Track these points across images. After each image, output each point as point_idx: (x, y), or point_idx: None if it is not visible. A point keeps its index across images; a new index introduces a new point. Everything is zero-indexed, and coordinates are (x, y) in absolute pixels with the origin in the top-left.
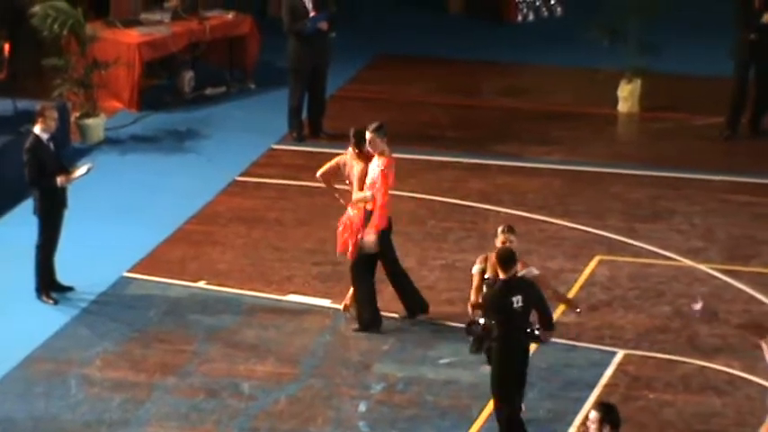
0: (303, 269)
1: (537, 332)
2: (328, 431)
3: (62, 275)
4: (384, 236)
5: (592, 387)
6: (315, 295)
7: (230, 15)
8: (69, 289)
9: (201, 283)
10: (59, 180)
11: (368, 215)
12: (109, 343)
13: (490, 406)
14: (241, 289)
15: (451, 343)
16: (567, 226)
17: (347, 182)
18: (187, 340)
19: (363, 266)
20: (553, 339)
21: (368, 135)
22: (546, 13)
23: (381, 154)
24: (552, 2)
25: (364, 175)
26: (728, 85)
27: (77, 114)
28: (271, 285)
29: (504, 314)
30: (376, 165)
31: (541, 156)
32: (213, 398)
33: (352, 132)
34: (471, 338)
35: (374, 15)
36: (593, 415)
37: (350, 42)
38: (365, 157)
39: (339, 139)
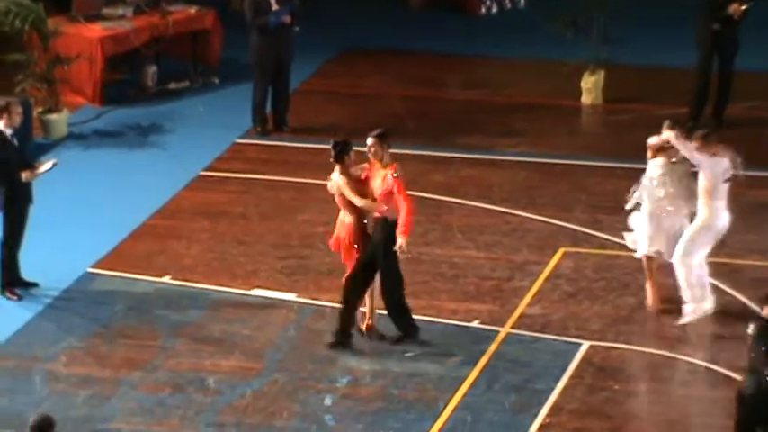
0: (268, 263)
1: None
2: (294, 425)
3: (26, 271)
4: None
5: (557, 379)
6: (280, 289)
7: (193, 10)
8: (34, 285)
9: (167, 278)
10: (24, 175)
11: (357, 227)
12: (74, 339)
13: (456, 398)
14: (206, 284)
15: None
16: (531, 218)
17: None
18: (152, 335)
19: (362, 280)
20: (518, 331)
21: (369, 141)
22: (509, 6)
23: (385, 164)
24: None
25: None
26: (691, 75)
27: (40, 110)
28: (236, 280)
29: None
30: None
31: (506, 148)
32: (179, 393)
33: (331, 144)
34: None
35: (337, 9)
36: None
37: (313, 36)
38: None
39: (303, 133)
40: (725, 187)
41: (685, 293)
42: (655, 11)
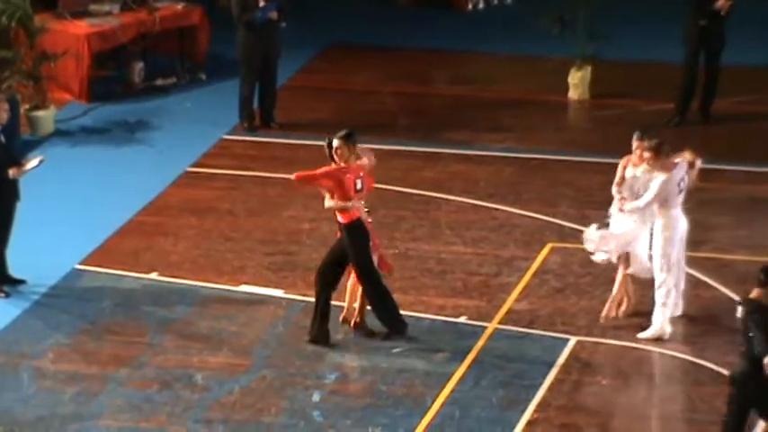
0: (255, 259)
1: None
2: (282, 421)
3: (14, 268)
4: (361, 237)
5: (544, 374)
6: (267, 285)
7: (180, 6)
8: (21, 282)
9: (154, 275)
10: (11, 172)
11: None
12: (61, 335)
13: (444, 394)
14: (194, 280)
15: None
16: (518, 213)
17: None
18: (140, 332)
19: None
20: (506, 326)
21: (335, 143)
22: (496, 2)
23: (346, 161)
24: None
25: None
26: (678, 71)
27: (27, 106)
28: (223, 276)
29: None
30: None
31: (492, 143)
32: (166, 389)
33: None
34: None
35: (324, 5)
36: None
37: (300, 32)
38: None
39: (290, 129)
40: (681, 195)
41: (656, 314)
42: (641, 6)
